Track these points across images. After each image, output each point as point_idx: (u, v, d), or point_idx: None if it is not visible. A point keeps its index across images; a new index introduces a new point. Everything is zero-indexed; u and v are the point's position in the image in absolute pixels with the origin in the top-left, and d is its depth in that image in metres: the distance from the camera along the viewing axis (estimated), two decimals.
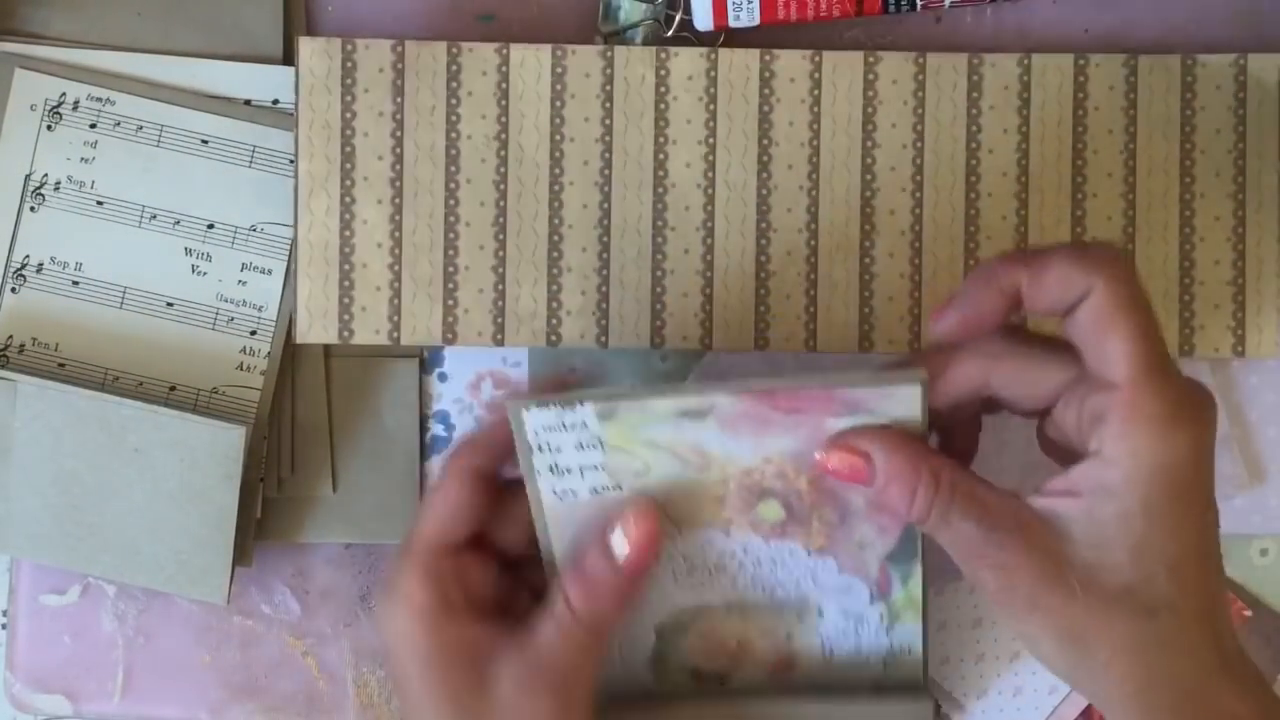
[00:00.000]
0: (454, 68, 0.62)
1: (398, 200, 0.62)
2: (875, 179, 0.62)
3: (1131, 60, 0.62)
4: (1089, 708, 0.64)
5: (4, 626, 0.65)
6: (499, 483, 0.56)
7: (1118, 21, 0.64)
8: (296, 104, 0.62)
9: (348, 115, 0.62)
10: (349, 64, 0.62)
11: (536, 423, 0.53)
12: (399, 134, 0.62)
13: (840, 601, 0.56)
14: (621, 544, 0.53)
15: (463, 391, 0.64)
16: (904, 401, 0.52)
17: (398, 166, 0.62)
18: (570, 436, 0.53)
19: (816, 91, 0.62)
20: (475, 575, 0.55)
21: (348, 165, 0.62)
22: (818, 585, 0.56)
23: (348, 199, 0.62)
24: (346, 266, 0.62)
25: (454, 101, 0.62)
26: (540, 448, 0.54)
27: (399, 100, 0.62)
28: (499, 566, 0.56)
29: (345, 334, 0.62)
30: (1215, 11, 0.64)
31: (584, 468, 0.54)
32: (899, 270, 0.62)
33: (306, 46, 0.61)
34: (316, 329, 0.62)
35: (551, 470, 0.54)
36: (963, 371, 0.53)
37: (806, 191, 0.62)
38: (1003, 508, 0.50)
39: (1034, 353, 0.52)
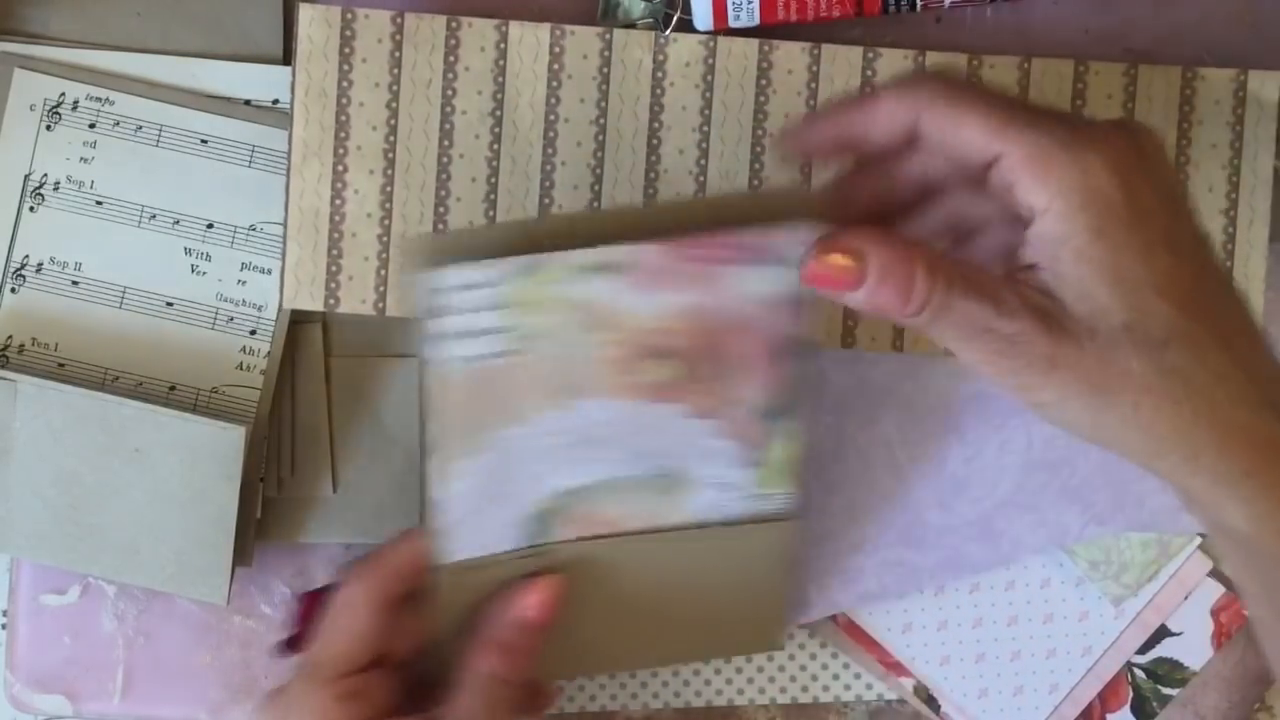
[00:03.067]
0: (452, 42, 0.62)
1: (389, 172, 0.62)
2: None
3: (1131, 69, 0.62)
4: (1089, 707, 0.64)
5: (4, 626, 0.65)
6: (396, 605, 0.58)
7: (1118, 22, 0.64)
8: (293, 69, 0.62)
9: (344, 84, 0.62)
10: (348, 33, 0.61)
11: (438, 281, 0.52)
12: (394, 105, 0.62)
13: (714, 470, 0.56)
14: (525, 609, 0.57)
15: None
16: (804, 238, 0.50)
17: (391, 138, 0.62)
18: (470, 296, 0.52)
19: (814, 84, 0.62)
20: (379, 689, 0.57)
21: (342, 134, 0.62)
22: (694, 451, 0.56)
23: (340, 168, 0.62)
24: (336, 235, 0.62)
25: (450, 76, 0.62)
26: (438, 308, 0.52)
27: (395, 72, 0.62)
28: (395, 672, 0.58)
29: (331, 301, 0.62)
30: (1216, 12, 0.64)
31: (481, 330, 0.53)
32: None
33: (306, 13, 0.61)
34: (303, 295, 0.62)
35: (446, 333, 0.53)
36: (887, 110, 0.50)
37: (799, 184, 0.62)
38: (999, 280, 0.48)
39: (962, 102, 0.49)
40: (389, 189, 0.62)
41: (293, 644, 0.61)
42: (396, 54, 0.62)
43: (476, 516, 0.56)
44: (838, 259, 0.49)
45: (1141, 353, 0.46)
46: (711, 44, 0.62)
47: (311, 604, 0.60)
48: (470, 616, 0.58)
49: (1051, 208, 0.47)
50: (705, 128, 0.62)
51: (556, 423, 0.55)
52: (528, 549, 0.57)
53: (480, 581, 0.57)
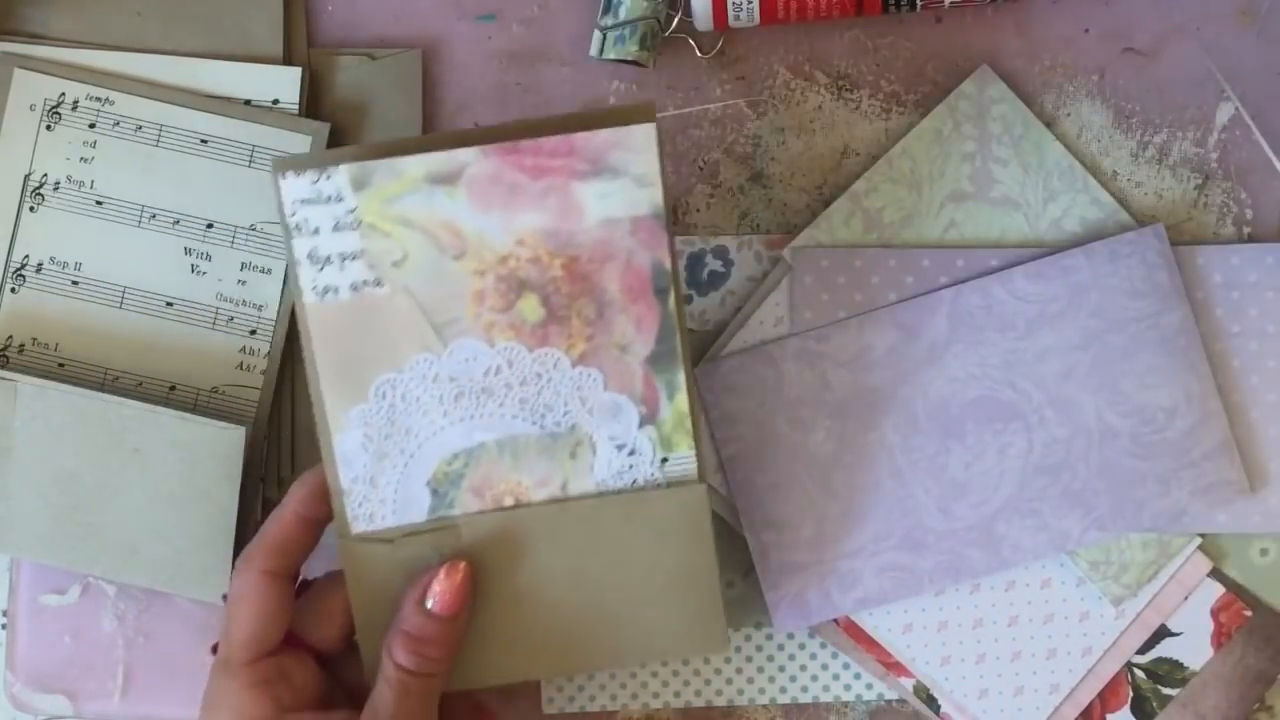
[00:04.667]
0: None
1: None
2: None
3: None
4: (1089, 707, 0.64)
5: (4, 626, 0.65)
6: (297, 583, 0.58)
7: (1118, 21, 0.64)
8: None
9: None
10: None
11: (294, 194, 0.54)
12: None
13: (610, 429, 0.56)
14: (434, 596, 0.55)
15: None
16: (640, 144, 0.54)
17: None
18: (327, 212, 0.54)
19: None
20: (298, 675, 0.57)
21: None
22: (586, 408, 0.56)
23: None
24: None
25: None
26: (299, 227, 0.54)
27: None
28: (318, 665, 0.58)
29: None
30: (1216, 12, 0.64)
31: (343, 256, 0.54)
32: None
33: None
34: None
35: (311, 259, 0.54)
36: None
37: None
38: None
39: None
40: None
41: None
42: None
43: (373, 477, 0.56)
44: None
45: None
46: None
47: None
48: (385, 602, 0.57)
49: None
50: None
51: (430, 366, 0.55)
52: (432, 522, 0.56)
53: (389, 560, 0.56)
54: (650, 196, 0.55)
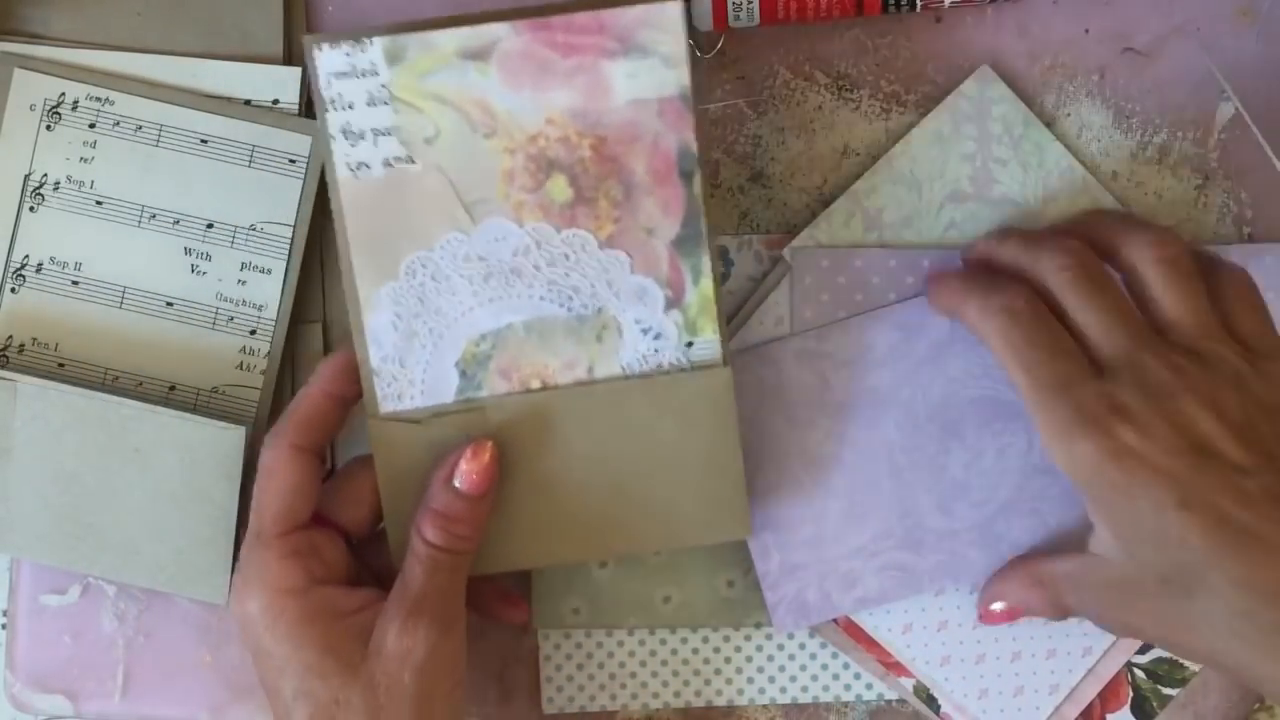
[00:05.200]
0: None
1: None
2: None
3: None
4: (1089, 708, 0.64)
5: (4, 626, 0.65)
6: (326, 462, 0.59)
7: (1118, 21, 0.64)
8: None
9: None
10: None
11: (328, 66, 0.55)
12: None
13: (636, 312, 0.57)
14: (462, 475, 0.56)
15: None
16: (669, 23, 0.55)
17: None
18: (360, 86, 0.55)
19: None
20: (329, 551, 0.58)
21: None
22: (613, 290, 0.57)
23: None
24: None
25: None
26: (333, 101, 0.55)
27: None
28: (347, 546, 0.59)
29: None
30: (1216, 11, 0.64)
31: (376, 131, 0.55)
32: None
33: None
34: None
35: (344, 133, 0.55)
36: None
37: None
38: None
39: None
40: None
41: None
42: None
43: (402, 356, 0.57)
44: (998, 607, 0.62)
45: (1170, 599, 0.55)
46: None
47: None
48: (412, 482, 0.58)
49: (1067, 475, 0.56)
50: None
51: (461, 245, 0.56)
52: (459, 404, 0.57)
53: (417, 440, 0.57)
54: (677, 77, 0.56)
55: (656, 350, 0.57)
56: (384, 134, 0.55)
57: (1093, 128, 0.64)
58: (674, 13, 0.55)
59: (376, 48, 0.55)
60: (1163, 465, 0.53)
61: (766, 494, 0.62)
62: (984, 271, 0.60)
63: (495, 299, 0.57)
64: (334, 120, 0.56)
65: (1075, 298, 0.56)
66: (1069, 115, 0.64)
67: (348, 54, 0.55)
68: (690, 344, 0.58)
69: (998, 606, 0.62)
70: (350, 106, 0.55)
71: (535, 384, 0.57)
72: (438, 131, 0.55)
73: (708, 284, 0.57)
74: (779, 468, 0.62)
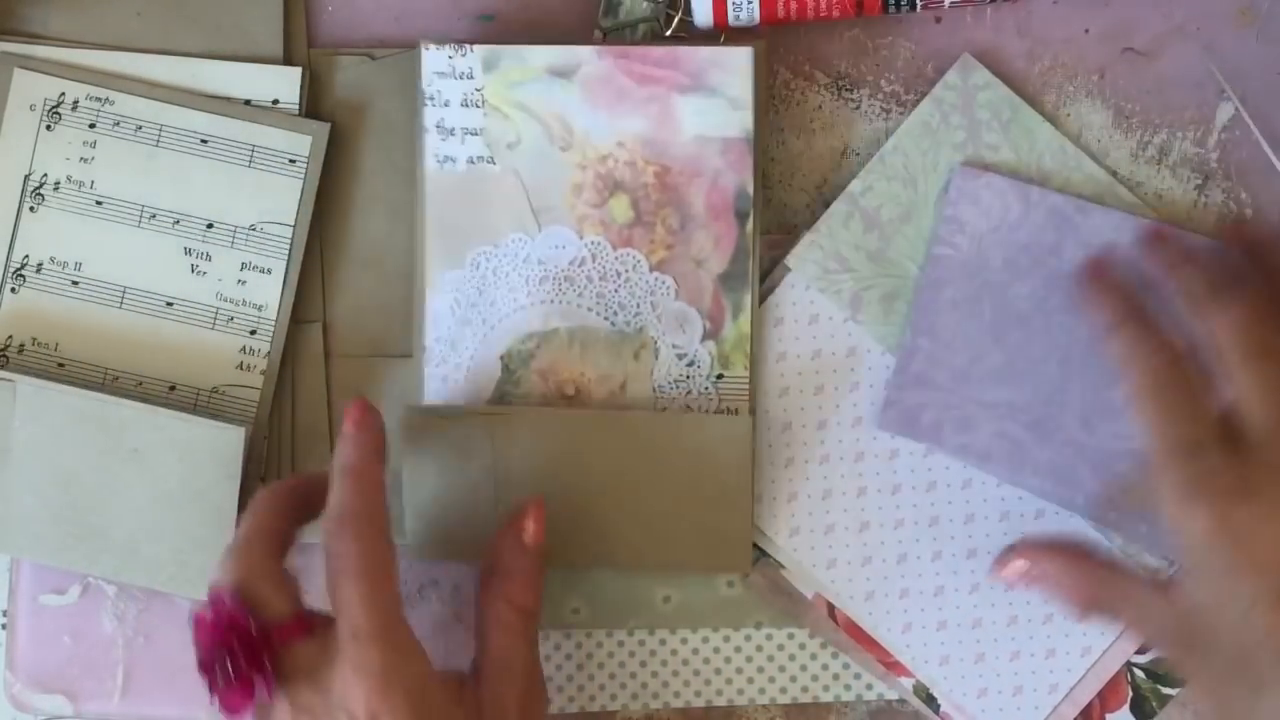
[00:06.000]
0: None
1: None
2: None
3: None
4: (1089, 707, 0.64)
5: (4, 626, 0.65)
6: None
7: (1118, 21, 0.64)
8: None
9: None
10: None
11: (432, 65, 0.60)
12: None
13: (675, 337, 0.59)
14: (530, 535, 0.58)
15: None
16: (738, 66, 0.60)
17: None
18: (457, 87, 0.59)
19: None
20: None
21: None
22: (656, 313, 0.60)
23: None
24: None
25: None
26: (432, 98, 0.60)
27: None
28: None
29: None
30: (1216, 11, 0.64)
31: (466, 131, 0.59)
32: None
33: None
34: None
35: (438, 128, 0.60)
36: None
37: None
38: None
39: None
40: None
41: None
42: None
43: (455, 340, 0.60)
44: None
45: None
46: None
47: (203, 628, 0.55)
48: (434, 475, 0.60)
49: (1176, 534, 0.56)
50: None
51: (524, 246, 0.60)
52: (489, 407, 0.60)
53: (444, 437, 0.60)
54: (742, 120, 0.60)
55: (688, 377, 0.60)
56: (472, 134, 0.60)
57: (1093, 128, 0.64)
58: (743, 58, 0.59)
59: (476, 55, 0.59)
60: (1271, 560, 0.53)
61: (945, 307, 0.62)
62: (1142, 295, 0.60)
63: (546, 301, 0.60)
64: (430, 115, 0.60)
65: (1242, 360, 0.55)
66: (1069, 115, 0.64)
67: (450, 56, 0.59)
68: (720, 376, 0.60)
69: (1020, 565, 0.61)
70: (446, 104, 0.60)
71: (570, 390, 0.60)
72: (519, 138, 0.60)
73: (746, 322, 0.60)
74: (971, 294, 0.62)
